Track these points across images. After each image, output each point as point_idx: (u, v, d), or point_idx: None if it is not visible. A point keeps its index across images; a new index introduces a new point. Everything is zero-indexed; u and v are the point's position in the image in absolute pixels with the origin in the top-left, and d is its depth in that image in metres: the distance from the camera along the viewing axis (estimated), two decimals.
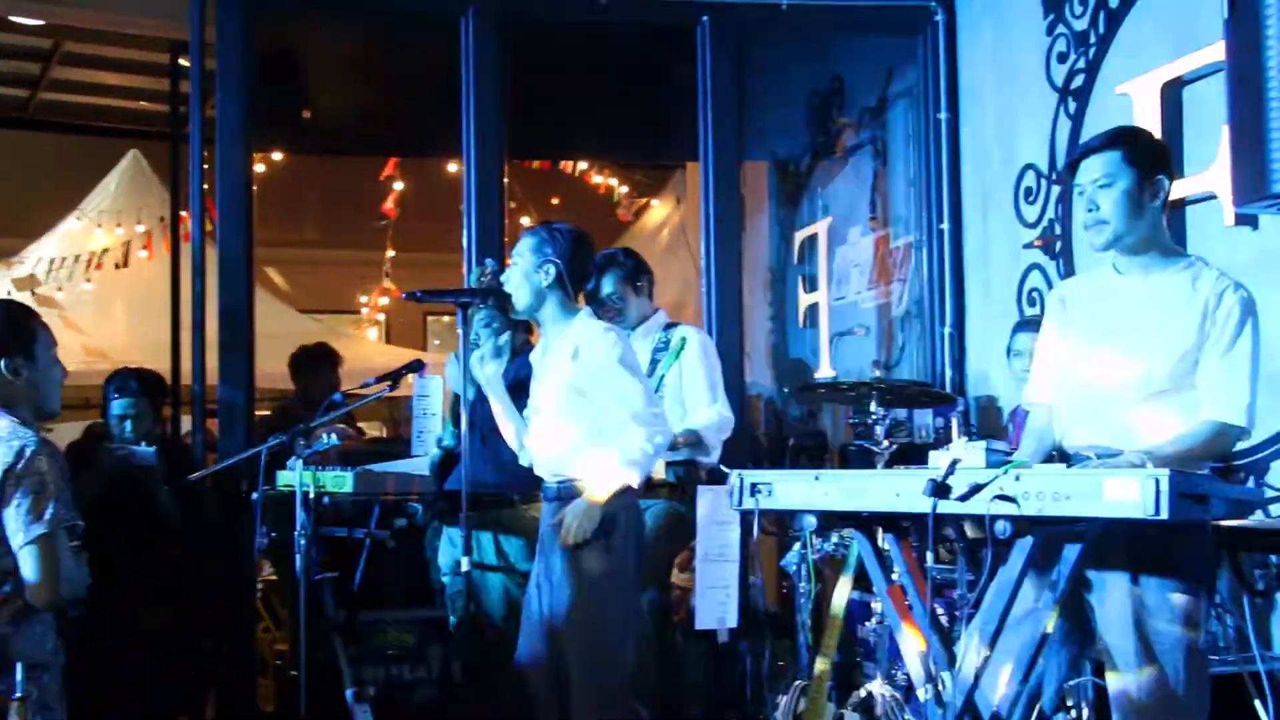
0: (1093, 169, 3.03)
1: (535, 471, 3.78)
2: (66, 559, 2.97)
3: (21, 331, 3.17)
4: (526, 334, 4.52)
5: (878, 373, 4.62)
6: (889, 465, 4.26)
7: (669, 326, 4.69)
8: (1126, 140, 3.05)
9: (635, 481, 3.61)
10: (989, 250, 5.77)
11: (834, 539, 4.34)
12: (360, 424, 7.10)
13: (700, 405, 4.55)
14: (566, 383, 3.63)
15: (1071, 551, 2.66)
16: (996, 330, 5.41)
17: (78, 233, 9.74)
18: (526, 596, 3.78)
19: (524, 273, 3.69)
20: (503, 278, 3.79)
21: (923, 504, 2.68)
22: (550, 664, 3.62)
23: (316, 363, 6.27)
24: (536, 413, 3.74)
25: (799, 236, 7.71)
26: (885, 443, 4.35)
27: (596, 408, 3.62)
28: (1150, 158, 3.03)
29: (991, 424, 5.50)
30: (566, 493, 3.63)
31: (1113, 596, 2.86)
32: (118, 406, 4.88)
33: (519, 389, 3.96)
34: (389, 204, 10.88)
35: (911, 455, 4.72)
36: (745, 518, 4.20)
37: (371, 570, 4.36)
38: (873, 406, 4.38)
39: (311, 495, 4.12)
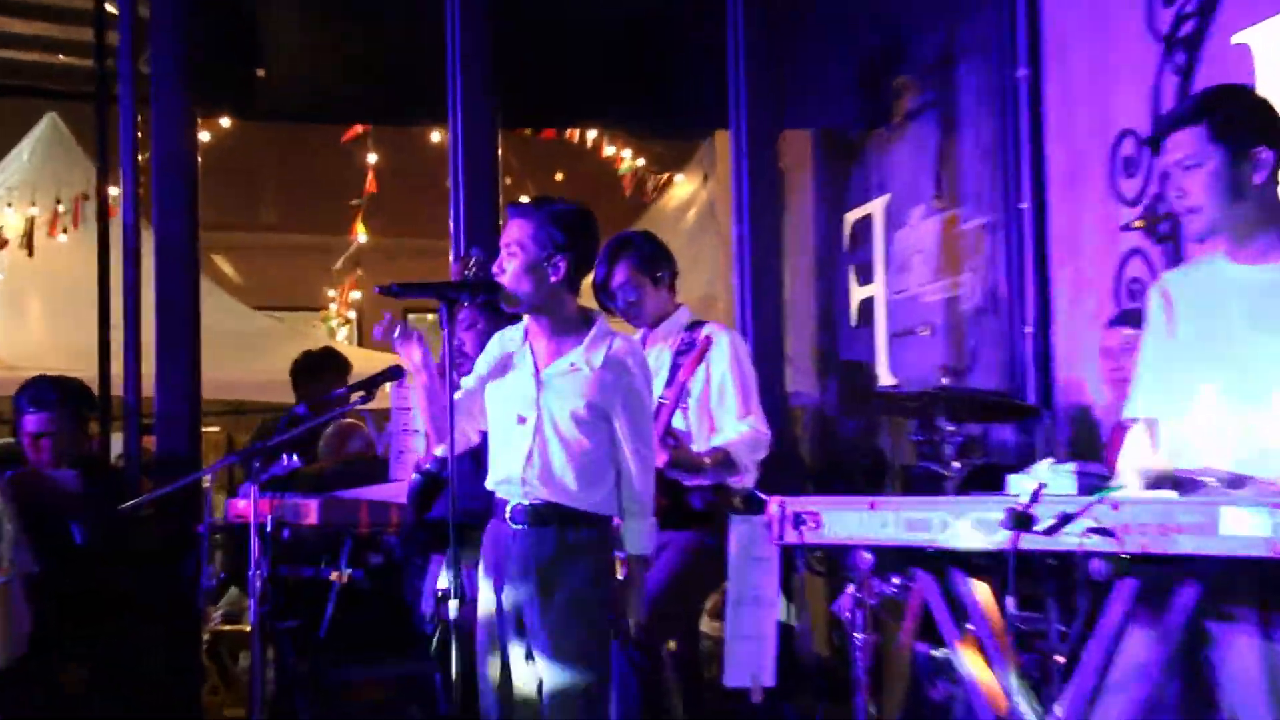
0: (1175, 148, 2.99)
1: (495, 485, 3.77)
2: (20, 609, 2.92)
3: None
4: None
5: (946, 380, 4.60)
6: (961, 491, 4.24)
7: (693, 325, 4.67)
8: (1212, 110, 2.98)
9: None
10: (1080, 233, 5.74)
11: (896, 580, 4.32)
12: None
13: (731, 419, 4.54)
14: (589, 397, 3.66)
15: (1185, 597, 2.63)
16: (1090, 329, 5.39)
17: None
18: (489, 631, 3.76)
19: (528, 265, 3.68)
20: (495, 268, 3.77)
21: (1001, 538, 2.67)
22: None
23: (322, 371, 6.27)
24: (525, 421, 3.72)
25: (850, 218, 7.68)
26: (956, 464, 4.33)
27: (606, 432, 3.70)
28: (1244, 128, 2.97)
29: (1085, 442, 5.46)
30: (563, 518, 3.65)
31: (1238, 652, 2.82)
32: (32, 423, 4.87)
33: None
34: (370, 181, 10.87)
35: (988, 479, 4.68)
36: (787, 554, 4.19)
37: (341, 616, 4.35)
38: (940, 421, 4.36)
39: (269, 527, 4.11)
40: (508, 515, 3.72)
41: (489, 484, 3.79)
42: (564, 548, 3.65)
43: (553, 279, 3.68)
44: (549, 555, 3.65)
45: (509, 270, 3.70)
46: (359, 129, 10.58)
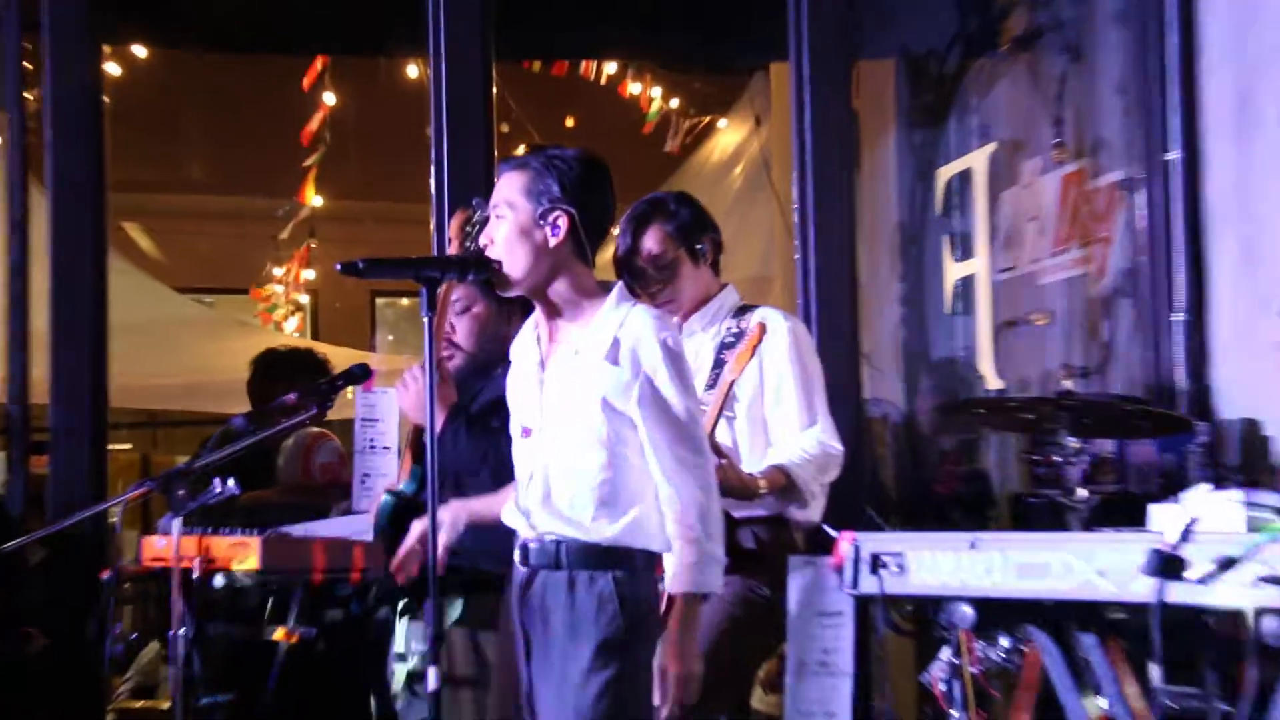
0: None
1: (510, 520, 3.77)
2: None
3: None
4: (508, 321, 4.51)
5: (1069, 383, 4.58)
6: (1089, 526, 4.21)
7: (742, 310, 4.66)
8: None
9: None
10: (1249, 190, 5.70)
11: (1004, 642, 4.30)
12: None
13: (791, 429, 4.52)
14: (599, 391, 3.63)
15: None
16: (1260, 315, 5.38)
17: None
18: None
19: (519, 229, 3.68)
20: (484, 239, 3.77)
21: (1142, 588, 2.68)
22: None
23: (283, 375, 6.24)
24: (529, 434, 3.72)
25: (944, 174, 7.67)
26: (1082, 492, 4.30)
27: (632, 439, 3.64)
28: None
29: (1254, 462, 5.43)
30: (578, 557, 3.63)
31: None
32: None
33: (496, 411, 4.00)
34: (314, 125, 10.86)
35: (1124, 511, 4.66)
36: (863, 607, 4.17)
37: (289, 688, 4.36)
38: (1062, 435, 4.34)
39: (196, 573, 4.11)
40: (518, 554, 3.74)
41: (506, 515, 3.80)
42: (579, 599, 3.62)
43: (553, 242, 3.67)
44: (561, 608, 3.63)
45: (498, 237, 3.69)
46: (317, 66, 10.57)
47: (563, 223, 3.66)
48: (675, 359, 3.66)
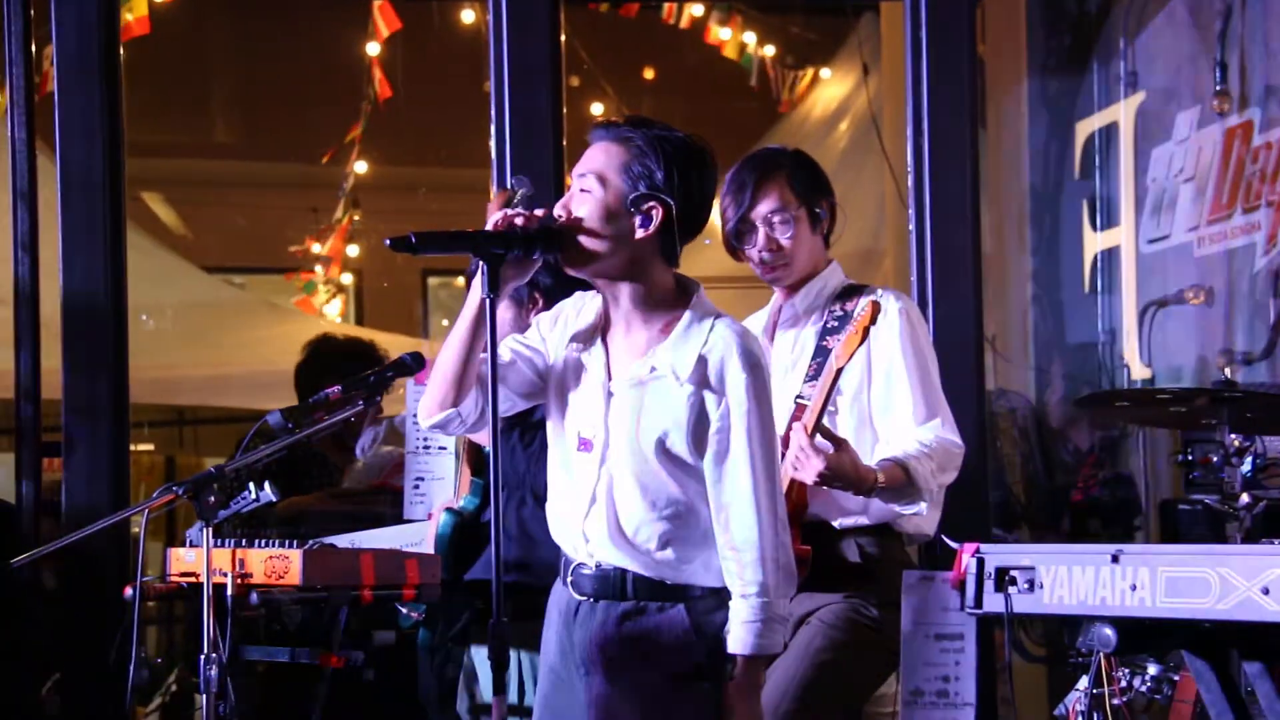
0: None
1: (555, 534, 3.82)
2: None
3: None
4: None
5: (1230, 371, 4.56)
6: (1252, 537, 4.20)
7: (848, 292, 4.64)
8: None
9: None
10: None
11: (1152, 669, 4.29)
12: None
13: (905, 424, 4.50)
14: (679, 416, 3.65)
15: None
16: None
17: None
18: None
19: (606, 209, 3.69)
20: (559, 209, 3.77)
21: None
22: None
23: (338, 366, 6.28)
24: (590, 447, 3.73)
25: (1083, 129, 7.64)
26: (1245, 497, 4.29)
27: (704, 464, 3.67)
28: None
29: None
30: (643, 591, 3.67)
31: None
32: None
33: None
34: (380, 85, 10.84)
35: None
36: (986, 629, 4.18)
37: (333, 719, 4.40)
38: (1222, 432, 4.33)
39: (230, 590, 4.16)
40: (569, 579, 3.77)
41: (551, 528, 3.82)
42: (641, 635, 3.67)
43: (640, 233, 3.68)
44: (619, 644, 3.67)
45: (579, 212, 3.68)
46: (379, 14, 10.54)
47: (656, 214, 3.64)
48: (762, 387, 3.67)
